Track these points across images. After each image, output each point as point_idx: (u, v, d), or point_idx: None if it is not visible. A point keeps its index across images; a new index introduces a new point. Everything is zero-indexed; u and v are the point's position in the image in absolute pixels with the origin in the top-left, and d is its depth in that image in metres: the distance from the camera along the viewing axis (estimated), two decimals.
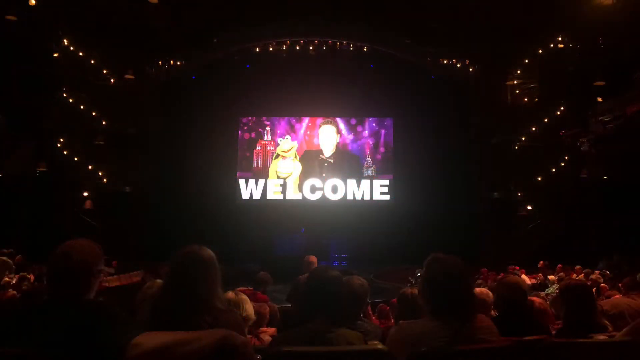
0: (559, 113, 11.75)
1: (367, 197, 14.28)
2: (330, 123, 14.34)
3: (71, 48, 11.82)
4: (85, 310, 2.00)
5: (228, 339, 1.90)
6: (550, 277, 8.68)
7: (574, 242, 11.04)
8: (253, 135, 14.49)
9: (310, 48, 12.82)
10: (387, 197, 14.26)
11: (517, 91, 12.06)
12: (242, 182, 14.40)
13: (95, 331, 1.95)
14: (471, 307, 2.50)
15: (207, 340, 1.89)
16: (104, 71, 12.48)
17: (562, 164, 11.97)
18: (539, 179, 12.19)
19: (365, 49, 12.92)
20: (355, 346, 2.46)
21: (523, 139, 12.30)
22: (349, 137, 14.42)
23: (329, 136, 14.37)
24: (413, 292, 3.60)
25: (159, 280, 3.30)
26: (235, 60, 13.13)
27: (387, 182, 14.31)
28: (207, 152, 13.29)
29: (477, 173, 12.58)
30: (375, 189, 14.31)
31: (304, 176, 14.35)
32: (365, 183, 14.32)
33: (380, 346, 2.31)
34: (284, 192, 14.35)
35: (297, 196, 14.25)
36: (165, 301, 2.25)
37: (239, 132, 14.49)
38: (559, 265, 9.30)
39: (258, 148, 14.47)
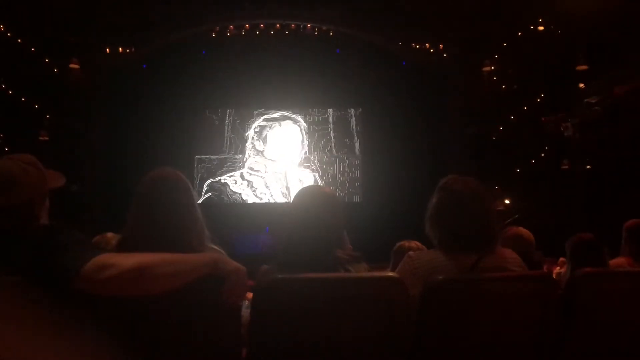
0: (539, 100, 11.21)
1: None
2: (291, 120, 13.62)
3: (8, 34, 10.88)
4: (32, 236, 1.81)
5: (219, 262, 1.82)
6: None
7: (557, 235, 10.44)
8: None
9: (272, 33, 12.14)
10: (356, 197, 13.60)
11: (495, 77, 11.48)
12: None
13: (43, 254, 1.73)
14: (490, 239, 2.35)
15: (195, 262, 1.79)
16: (46, 60, 11.57)
17: (543, 155, 11.47)
18: (517, 170, 11.69)
19: (331, 33, 12.31)
20: (368, 273, 2.36)
21: (501, 128, 11.76)
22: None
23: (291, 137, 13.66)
24: (410, 246, 3.80)
25: (109, 234, 3.39)
26: (190, 46, 12.45)
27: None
28: (163, 147, 12.50)
29: (452, 165, 11.96)
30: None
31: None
32: None
33: (392, 274, 2.13)
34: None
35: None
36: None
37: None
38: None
39: None
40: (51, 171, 2.21)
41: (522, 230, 3.87)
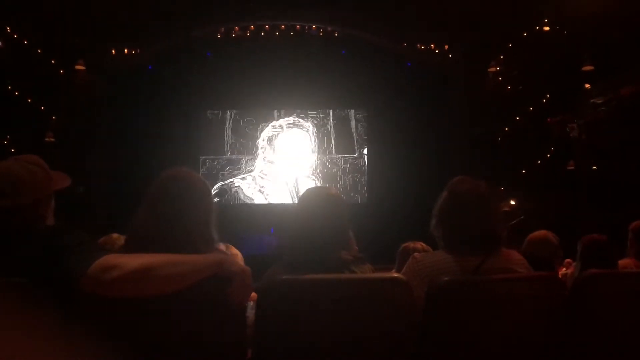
0: (545, 101, 11.11)
1: None
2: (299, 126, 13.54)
3: (15, 36, 10.89)
4: (38, 237, 1.81)
5: (225, 263, 1.82)
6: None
7: (562, 236, 10.38)
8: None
9: (277, 34, 12.09)
10: (361, 198, 13.49)
11: (500, 78, 11.39)
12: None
13: (49, 256, 1.73)
14: (495, 241, 2.35)
15: (200, 263, 1.78)
16: (52, 61, 11.56)
17: (548, 156, 11.34)
18: (523, 171, 11.56)
19: (336, 34, 12.24)
20: (373, 274, 2.39)
21: (506, 129, 11.65)
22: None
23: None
24: (415, 247, 3.80)
25: (115, 235, 3.39)
26: (195, 47, 12.42)
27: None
28: (169, 148, 12.48)
29: (457, 166, 11.89)
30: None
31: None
32: None
33: (397, 275, 2.11)
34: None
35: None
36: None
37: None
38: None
39: None
40: (57, 172, 2.20)
41: (549, 233, 3.94)
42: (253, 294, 1.99)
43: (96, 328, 1.62)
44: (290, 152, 13.51)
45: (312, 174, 13.41)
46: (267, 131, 13.50)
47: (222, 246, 2.83)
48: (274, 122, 13.52)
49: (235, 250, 3.14)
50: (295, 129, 13.55)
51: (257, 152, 13.49)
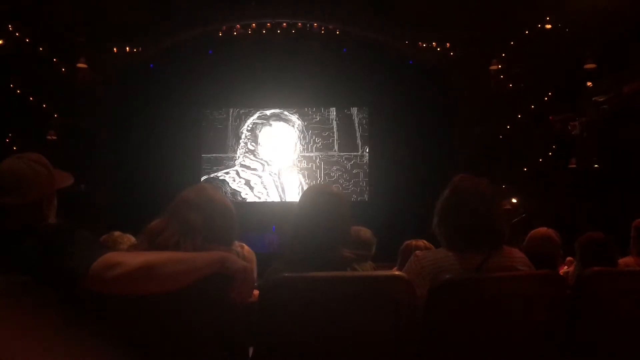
0: (546, 99, 11.07)
1: None
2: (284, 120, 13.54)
3: (17, 34, 10.88)
4: (41, 236, 1.82)
5: (226, 261, 1.80)
6: None
7: (564, 234, 10.35)
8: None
9: (278, 32, 12.05)
10: (363, 196, 13.48)
11: (502, 76, 11.35)
12: None
13: (52, 254, 1.74)
14: (497, 239, 2.33)
15: (201, 260, 1.79)
16: (54, 59, 11.55)
17: (550, 153, 11.33)
18: (525, 169, 11.54)
19: (337, 32, 12.20)
20: (375, 272, 2.41)
21: (508, 127, 11.63)
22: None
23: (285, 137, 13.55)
24: (417, 244, 3.78)
25: (117, 232, 3.39)
26: (197, 45, 12.36)
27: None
28: (170, 146, 12.49)
29: (459, 164, 11.86)
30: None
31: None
32: None
33: (399, 273, 2.09)
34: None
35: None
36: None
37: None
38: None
39: None
40: (59, 171, 2.20)
41: (551, 231, 3.82)
42: (255, 292, 1.99)
43: (98, 326, 1.62)
44: (272, 146, 13.48)
45: (301, 169, 13.44)
46: (251, 121, 13.50)
47: (237, 245, 2.86)
48: (259, 113, 13.55)
49: (247, 249, 3.13)
50: (280, 123, 13.56)
51: (241, 144, 13.51)
